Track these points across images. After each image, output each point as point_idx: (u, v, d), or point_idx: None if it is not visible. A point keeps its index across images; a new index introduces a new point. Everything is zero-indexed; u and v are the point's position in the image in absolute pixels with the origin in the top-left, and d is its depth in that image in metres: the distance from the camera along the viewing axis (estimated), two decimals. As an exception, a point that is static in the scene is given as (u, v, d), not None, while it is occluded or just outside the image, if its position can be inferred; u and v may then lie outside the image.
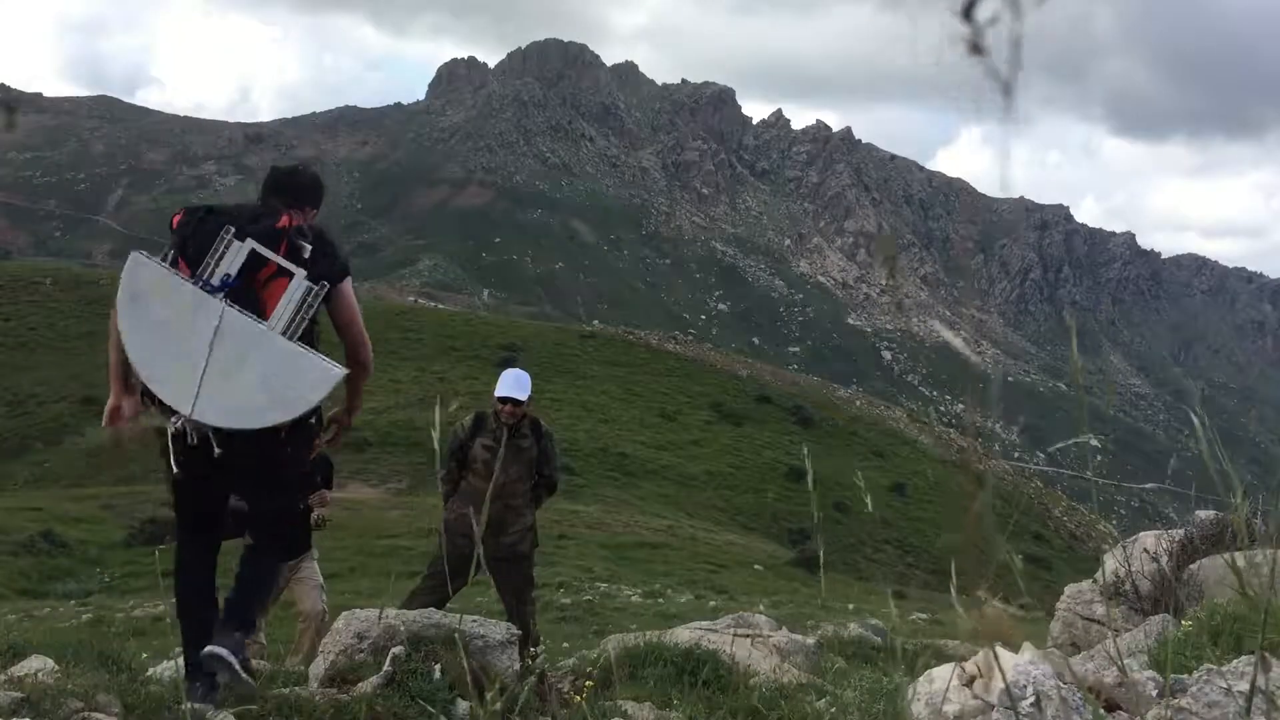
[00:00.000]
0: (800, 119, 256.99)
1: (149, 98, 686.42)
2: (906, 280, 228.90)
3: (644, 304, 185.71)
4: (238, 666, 3.54)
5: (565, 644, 10.88)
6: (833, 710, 2.71)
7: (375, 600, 8.58)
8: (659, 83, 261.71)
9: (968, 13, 0.44)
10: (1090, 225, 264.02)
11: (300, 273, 3.57)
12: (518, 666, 4.34)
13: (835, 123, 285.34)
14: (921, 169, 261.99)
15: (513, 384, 6.12)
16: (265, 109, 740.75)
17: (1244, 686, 1.53)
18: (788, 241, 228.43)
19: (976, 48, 0.44)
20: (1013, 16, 0.43)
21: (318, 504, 7.06)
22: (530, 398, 6.19)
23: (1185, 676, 2.12)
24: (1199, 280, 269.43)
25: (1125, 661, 2.47)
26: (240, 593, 3.80)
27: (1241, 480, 1.25)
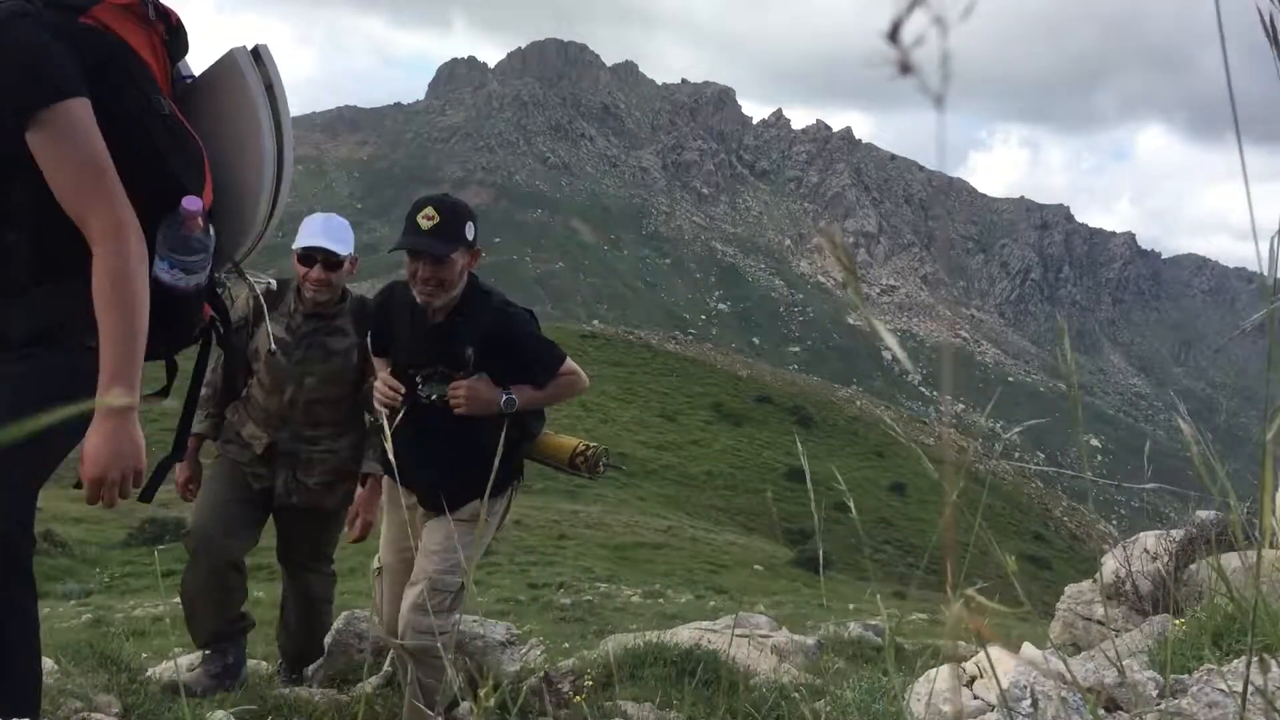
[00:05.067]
0: (830, 120, 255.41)
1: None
2: (907, 281, 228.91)
3: (644, 304, 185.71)
4: None
5: (565, 644, 10.86)
6: (832, 711, 2.71)
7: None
8: (659, 82, 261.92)
9: (893, 35, 0.45)
10: (1091, 226, 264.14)
11: None
12: (518, 667, 4.34)
13: (864, 125, 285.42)
14: (921, 169, 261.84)
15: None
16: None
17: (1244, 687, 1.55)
18: (788, 241, 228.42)
19: (906, 67, 0.45)
20: (940, 34, 0.44)
21: None
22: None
23: (1185, 676, 2.12)
24: (1199, 280, 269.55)
25: (1125, 662, 2.47)
26: None
27: (1241, 480, 1.25)
